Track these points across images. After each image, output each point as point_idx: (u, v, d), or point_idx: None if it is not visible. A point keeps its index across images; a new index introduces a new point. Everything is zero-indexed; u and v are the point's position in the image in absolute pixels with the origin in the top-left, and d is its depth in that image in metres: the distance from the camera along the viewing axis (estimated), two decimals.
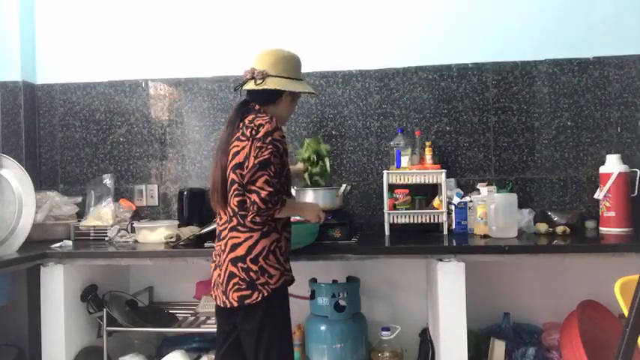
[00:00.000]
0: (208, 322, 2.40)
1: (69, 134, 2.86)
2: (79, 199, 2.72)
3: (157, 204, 2.79)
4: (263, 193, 1.59)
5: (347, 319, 2.37)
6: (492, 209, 2.25)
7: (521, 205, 2.41)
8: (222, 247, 1.70)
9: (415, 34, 2.67)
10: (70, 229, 2.54)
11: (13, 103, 2.76)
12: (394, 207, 2.46)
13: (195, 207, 2.63)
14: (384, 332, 2.40)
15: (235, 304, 1.65)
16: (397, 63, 2.67)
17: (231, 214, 1.68)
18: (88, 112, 2.86)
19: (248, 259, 1.64)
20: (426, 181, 2.44)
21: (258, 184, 1.60)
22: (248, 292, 1.64)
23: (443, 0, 2.66)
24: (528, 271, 2.50)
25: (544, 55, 2.59)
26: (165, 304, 2.61)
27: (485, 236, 2.27)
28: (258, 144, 1.62)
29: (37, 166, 2.85)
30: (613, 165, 2.35)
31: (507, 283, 2.51)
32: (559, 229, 2.30)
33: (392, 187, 2.47)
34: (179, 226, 2.50)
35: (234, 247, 1.66)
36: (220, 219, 1.74)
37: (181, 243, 2.27)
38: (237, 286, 1.65)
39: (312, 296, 2.43)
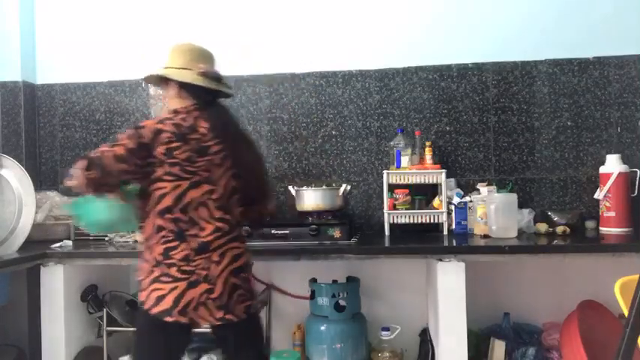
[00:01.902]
0: None
1: (69, 134, 2.86)
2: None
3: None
4: None
5: (347, 319, 2.37)
6: (492, 209, 2.25)
7: (521, 205, 2.41)
8: (216, 259, 1.58)
9: (415, 34, 2.67)
10: (70, 229, 2.53)
11: (13, 103, 2.76)
12: (394, 207, 2.46)
13: None
14: (384, 332, 2.40)
15: (243, 316, 1.62)
16: (397, 63, 2.67)
17: (234, 223, 1.65)
18: (88, 112, 2.86)
19: (246, 271, 1.67)
20: (426, 181, 2.44)
21: None
22: (250, 304, 1.65)
23: (443, 0, 2.66)
24: (528, 271, 2.50)
25: (544, 55, 2.59)
26: None
27: (486, 236, 2.27)
28: None
29: (37, 166, 2.85)
30: (613, 165, 2.35)
31: (507, 283, 2.51)
32: (559, 229, 2.30)
33: (392, 187, 2.47)
34: None
35: (236, 257, 1.62)
36: (202, 230, 1.58)
37: None
38: (242, 297, 1.62)
39: (312, 296, 2.43)
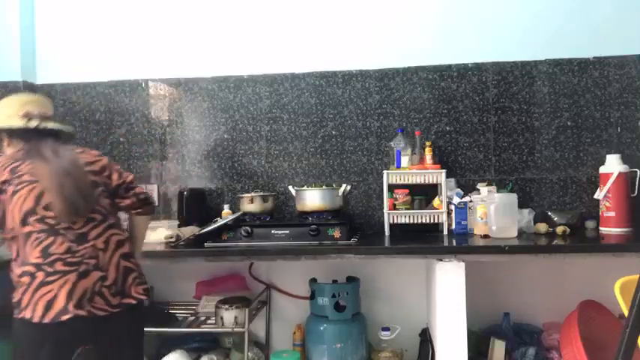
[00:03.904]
0: (208, 322, 2.40)
1: None
2: None
3: (156, 204, 2.78)
4: None
5: (347, 319, 2.37)
6: (492, 209, 2.25)
7: (521, 205, 2.41)
8: (102, 246, 1.57)
9: (415, 34, 2.67)
10: None
11: None
12: (394, 207, 2.46)
13: (195, 207, 2.63)
14: (384, 332, 2.40)
15: (142, 297, 1.61)
16: (397, 63, 2.67)
17: (106, 212, 1.65)
18: (88, 112, 2.85)
19: (135, 256, 1.69)
20: (426, 181, 2.44)
21: None
22: (147, 287, 1.65)
23: (443, 0, 2.66)
24: (528, 271, 2.50)
25: (544, 55, 2.59)
26: (165, 304, 2.61)
27: (485, 236, 2.27)
28: None
29: None
30: (613, 165, 2.35)
31: (507, 283, 2.51)
32: (559, 229, 2.30)
33: (392, 187, 2.47)
34: (179, 226, 2.50)
35: (121, 243, 1.63)
36: (73, 222, 1.55)
37: (181, 243, 2.27)
38: (138, 280, 1.62)
39: (312, 296, 2.43)
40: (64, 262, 1.50)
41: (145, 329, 1.73)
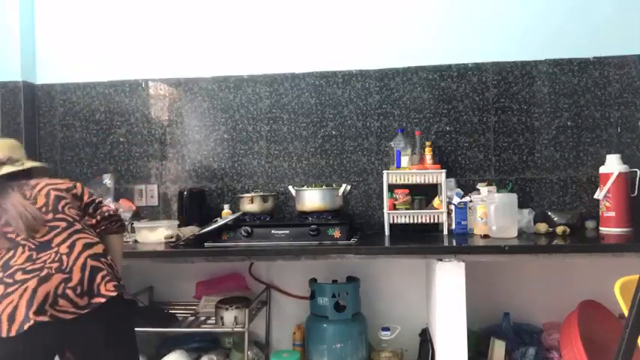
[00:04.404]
0: (208, 322, 2.40)
1: (69, 134, 2.86)
2: None
3: (157, 204, 2.79)
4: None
5: (347, 319, 2.37)
6: (492, 209, 2.25)
7: (521, 205, 2.41)
8: (66, 250, 1.55)
9: (415, 34, 2.67)
10: None
11: (13, 103, 2.76)
12: (394, 207, 2.46)
13: (195, 207, 2.63)
14: (384, 332, 2.40)
15: (113, 294, 1.54)
16: (397, 63, 2.67)
17: (72, 220, 1.66)
18: (88, 112, 2.85)
19: (108, 257, 1.66)
20: (426, 181, 2.44)
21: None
22: (119, 284, 1.60)
23: (443, 0, 2.66)
24: (528, 271, 2.50)
25: (544, 55, 2.59)
26: (165, 304, 2.61)
27: (485, 236, 2.27)
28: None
29: None
30: (613, 165, 2.35)
31: (507, 283, 2.51)
32: (559, 229, 2.30)
33: (392, 187, 2.47)
34: (179, 226, 2.50)
35: (89, 245, 1.61)
36: (36, 232, 1.57)
37: (181, 243, 2.27)
38: (108, 277, 1.57)
39: (312, 296, 2.43)
40: (24, 271, 1.48)
41: (132, 327, 1.68)
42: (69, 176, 2.85)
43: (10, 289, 1.45)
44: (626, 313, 1.18)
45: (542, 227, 2.33)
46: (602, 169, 2.38)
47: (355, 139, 2.69)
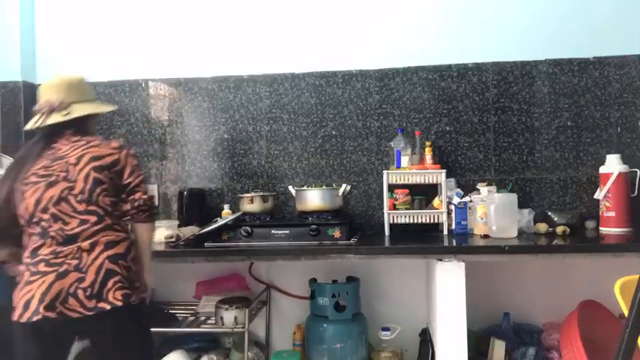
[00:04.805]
0: (208, 322, 2.40)
1: None
2: None
3: (156, 204, 2.78)
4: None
5: (347, 319, 2.37)
6: (492, 209, 2.25)
7: (521, 205, 2.41)
8: (87, 247, 1.56)
9: (415, 34, 2.67)
10: None
11: (13, 103, 2.76)
12: (394, 207, 2.46)
13: (195, 207, 2.63)
14: (384, 332, 2.40)
15: (119, 303, 1.53)
16: (397, 63, 2.67)
17: (103, 213, 1.63)
18: None
19: (128, 258, 1.63)
20: (426, 181, 2.44)
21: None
22: (129, 292, 1.58)
23: (443, 0, 2.66)
24: (528, 271, 2.50)
25: (544, 55, 2.59)
26: (165, 304, 2.61)
27: (485, 236, 2.27)
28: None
29: None
30: (613, 165, 2.35)
31: (507, 283, 2.51)
32: (559, 229, 2.30)
33: (392, 187, 2.47)
34: (179, 226, 2.50)
35: (112, 244, 1.59)
36: (66, 224, 1.57)
37: (181, 243, 2.27)
38: (120, 284, 1.56)
39: (312, 296, 2.43)
40: (47, 263, 1.54)
41: (142, 329, 1.68)
42: None
43: (32, 278, 1.53)
44: (626, 313, 1.18)
45: (542, 227, 2.33)
46: (602, 169, 2.38)
47: (355, 139, 2.69)
